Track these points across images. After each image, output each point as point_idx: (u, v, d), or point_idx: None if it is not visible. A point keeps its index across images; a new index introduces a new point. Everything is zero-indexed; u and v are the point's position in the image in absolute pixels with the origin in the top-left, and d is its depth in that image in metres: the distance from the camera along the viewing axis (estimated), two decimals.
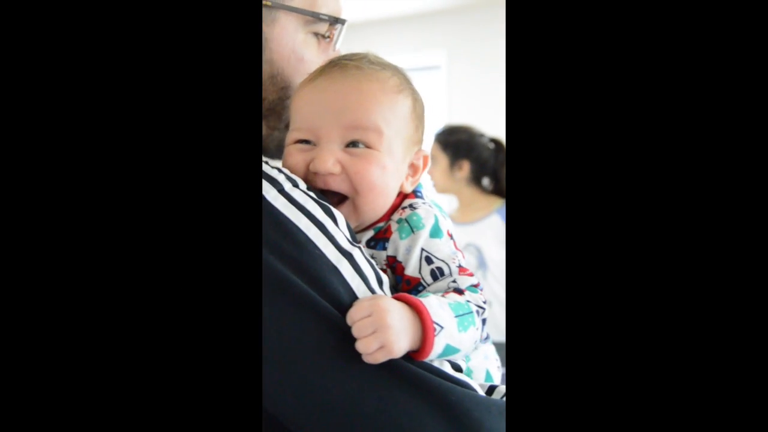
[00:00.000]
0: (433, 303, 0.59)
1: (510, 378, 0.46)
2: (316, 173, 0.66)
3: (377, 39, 4.52)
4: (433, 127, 2.30)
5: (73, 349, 0.44)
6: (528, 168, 0.45)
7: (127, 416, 0.45)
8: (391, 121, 0.68)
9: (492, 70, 4.25)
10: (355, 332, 0.54)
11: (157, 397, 0.45)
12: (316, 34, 0.77)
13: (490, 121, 2.95)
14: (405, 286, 0.66)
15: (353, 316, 0.55)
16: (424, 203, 0.71)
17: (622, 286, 0.43)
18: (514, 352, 0.46)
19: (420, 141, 0.75)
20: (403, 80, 0.71)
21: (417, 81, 0.75)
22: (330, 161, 0.65)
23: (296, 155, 0.68)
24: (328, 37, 0.78)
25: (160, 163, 0.46)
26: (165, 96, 0.47)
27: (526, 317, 0.45)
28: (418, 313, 0.57)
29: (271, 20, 0.73)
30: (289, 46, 0.74)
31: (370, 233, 0.70)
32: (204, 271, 0.46)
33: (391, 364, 0.55)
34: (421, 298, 0.59)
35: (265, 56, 0.73)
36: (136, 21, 0.47)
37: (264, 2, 0.72)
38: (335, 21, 0.77)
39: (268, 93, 0.74)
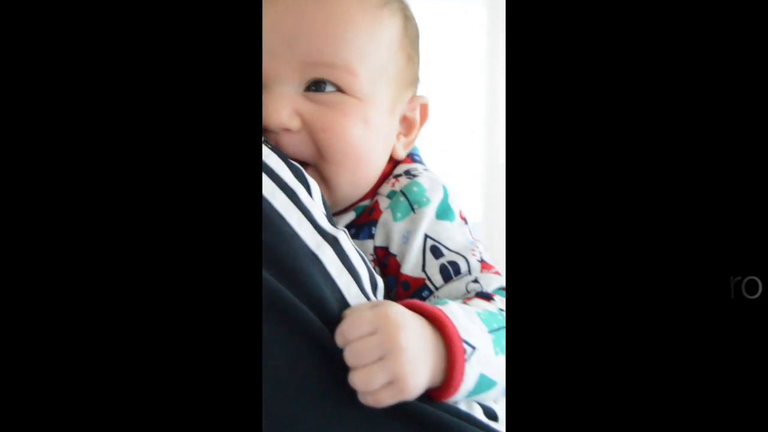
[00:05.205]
0: (458, 313, 0.41)
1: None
2: (265, 129, 0.47)
3: None
4: (473, 78, 2.01)
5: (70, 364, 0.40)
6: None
7: None
8: (371, 53, 0.49)
9: None
10: (350, 358, 0.38)
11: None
12: None
13: None
14: (402, 292, 0.48)
15: (348, 332, 0.38)
16: (426, 170, 0.52)
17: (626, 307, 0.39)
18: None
19: (415, 81, 0.55)
20: None
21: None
22: (284, 112, 0.47)
23: None
24: None
25: (157, 163, 0.41)
26: (162, 93, 0.41)
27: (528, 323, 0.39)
28: (440, 328, 0.39)
29: None
30: None
31: (349, 216, 0.51)
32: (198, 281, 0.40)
33: (404, 409, 0.38)
34: (439, 306, 0.41)
35: None
36: (137, 21, 0.41)
37: None
38: None
39: None
